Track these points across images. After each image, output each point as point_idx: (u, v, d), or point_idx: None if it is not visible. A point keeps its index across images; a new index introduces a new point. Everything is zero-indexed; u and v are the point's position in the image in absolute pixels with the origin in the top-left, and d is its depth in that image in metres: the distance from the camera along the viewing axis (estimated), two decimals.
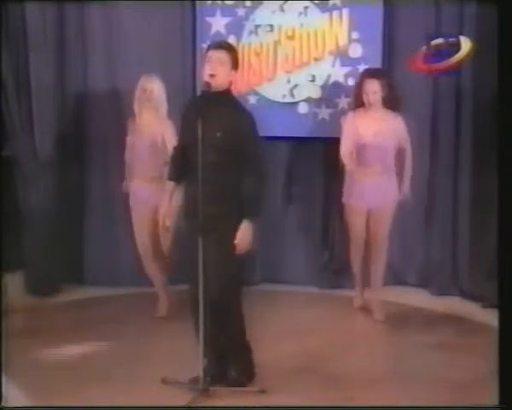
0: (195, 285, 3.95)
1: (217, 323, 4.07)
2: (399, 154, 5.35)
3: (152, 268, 5.44)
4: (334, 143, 6.11)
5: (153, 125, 5.29)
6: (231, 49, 4.10)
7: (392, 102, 5.30)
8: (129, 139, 5.42)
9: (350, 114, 5.44)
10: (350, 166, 5.30)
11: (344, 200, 5.47)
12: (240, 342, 4.17)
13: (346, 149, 5.31)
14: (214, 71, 3.98)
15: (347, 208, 5.46)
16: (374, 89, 5.23)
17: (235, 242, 3.91)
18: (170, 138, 5.12)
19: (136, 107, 5.35)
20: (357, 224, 5.42)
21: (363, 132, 5.27)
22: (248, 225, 3.94)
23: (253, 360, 4.20)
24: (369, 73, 5.38)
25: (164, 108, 5.34)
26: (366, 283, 5.62)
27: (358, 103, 5.36)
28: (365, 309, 5.60)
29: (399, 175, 5.38)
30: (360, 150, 5.28)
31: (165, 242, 5.36)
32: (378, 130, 5.25)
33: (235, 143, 3.92)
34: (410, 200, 5.42)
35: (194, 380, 4.06)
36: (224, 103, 4.02)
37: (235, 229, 3.94)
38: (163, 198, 4.79)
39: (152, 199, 5.15)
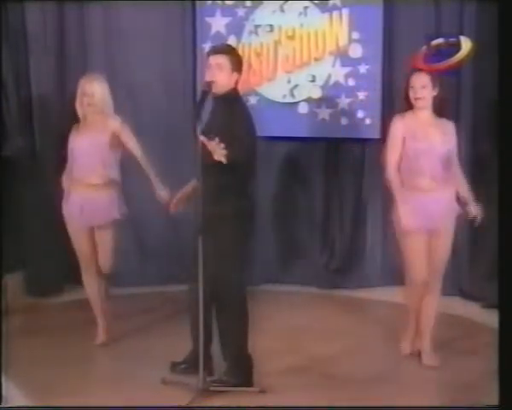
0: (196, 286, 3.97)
1: (218, 324, 4.11)
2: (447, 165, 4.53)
3: (93, 283, 4.92)
4: (336, 143, 6.16)
5: (99, 129, 4.75)
6: (231, 53, 4.10)
7: (442, 105, 4.48)
8: (72, 144, 4.80)
9: (397, 119, 4.51)
10: (396, 181, 4.43)
11: (397, 221, 4.43)
12: (240, 347, 4.16)
13: (393, 161, 4.45)
14: (213, 77, 4.00)
15: (403, 233, 4.43)
16: (422, 82, 4.39)
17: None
18: (125, 136, 4.75)
19: (79, 111, 4.81)
20: (417, 250, 4.43)
21: (415, 138, 4.43)
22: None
23: (252, 366, 4.18)
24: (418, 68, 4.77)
25: (109, 108, 4.81)
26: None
27: (406, 106, 4.50)
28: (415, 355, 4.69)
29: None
30: (413, 160, 4.41)
31: (103, 259, 4.88)
32: (431, 135, 4.43)
33: (231, 144, 3.89)
34: (477, 214, 4.50)
35: (174, 365, 4.26)
36: (224, 105, 4.02)
37: (234, 229, 3.96)
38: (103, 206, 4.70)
39: (93, 206, 4.73)
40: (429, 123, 4.45)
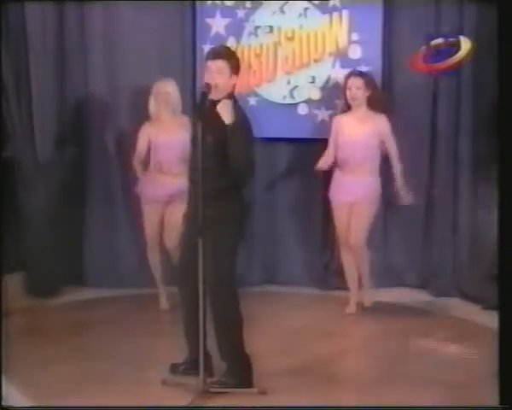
0: (190, 286, 4.00)
1: (214, 324, 4.12)
2: (384, 154, 5.46)
3: (155, 261, 5.70)
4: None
5: (175, 125, 5.50)
6: (229, 56, 4.09)
7: (376, 102, 5.43)
8: (147, 140, 5.58)
9: (336, 117, 5.62)
10: (327, 165, 5.53)
11: (330, 197, 5.60)
12: (236, 347, 4.16)
13: (329, 150, 5.54)
14: (212, 81, 3.99)
15: (333, 206, 5.59)
16: (357, 84, 5.39)
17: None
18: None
19: (153, 109, 5.58)
20: (341, 221, 5.52)
21: (347, 133, 5.44)
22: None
23: (251, 367, 4.17)
24: (353, 73, 5.55)
25: (179, 108, 5.59)
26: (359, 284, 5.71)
27: (345, 106, 5.54)
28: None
29: (387, 176, 5.49)
30: (344, 150, 5.43)
31: (170, 236, 5.46)
32: (361, 129, 5.39)
33: (226, 147, 3.90)
34: (407, 200, 5.42)
35: (174, 367, 4.27)
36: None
37: (230, 231, 3.99)
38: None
39: (169, 192, 5.46)
40: (362, 118, 5.40)
